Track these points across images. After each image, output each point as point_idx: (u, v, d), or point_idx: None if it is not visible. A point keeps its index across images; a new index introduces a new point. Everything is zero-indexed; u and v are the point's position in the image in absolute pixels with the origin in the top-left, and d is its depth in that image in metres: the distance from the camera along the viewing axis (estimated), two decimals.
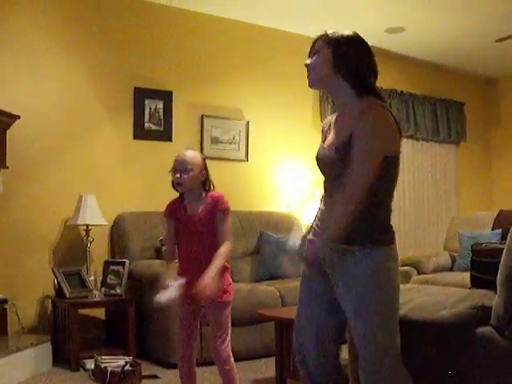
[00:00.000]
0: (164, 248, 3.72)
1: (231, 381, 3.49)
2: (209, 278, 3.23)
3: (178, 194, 3.58)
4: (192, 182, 3.46)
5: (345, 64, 2.56)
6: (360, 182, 2.45)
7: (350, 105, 2.59)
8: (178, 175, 3.45)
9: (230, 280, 3.53)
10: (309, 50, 2.67)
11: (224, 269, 3.46)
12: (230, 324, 3.50)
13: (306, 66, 2.64)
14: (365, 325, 2.53)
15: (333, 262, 2.60)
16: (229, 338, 3.48)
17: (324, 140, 2.75)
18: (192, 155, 3.50)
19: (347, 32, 2.63)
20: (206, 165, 3.54)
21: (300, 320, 2.79)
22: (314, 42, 2.65)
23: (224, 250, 3.40)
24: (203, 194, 3.50)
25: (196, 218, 3.45)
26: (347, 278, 2.55)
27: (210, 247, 3.41)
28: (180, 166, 3.45)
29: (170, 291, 3.27)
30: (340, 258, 2.57)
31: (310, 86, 2.69)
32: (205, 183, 3.51)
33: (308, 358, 2.73)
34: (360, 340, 2.56)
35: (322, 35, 2.63)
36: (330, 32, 2.62)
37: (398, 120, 2.59)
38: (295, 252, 2.76)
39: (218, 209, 3.44)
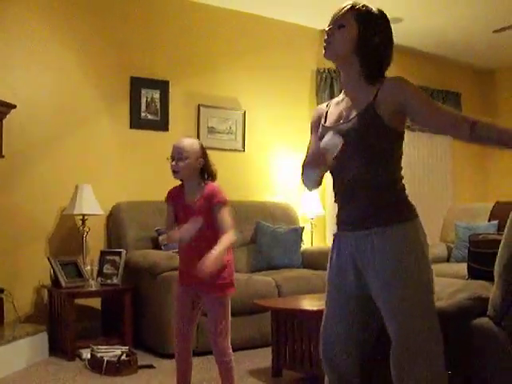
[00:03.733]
0: (161, 238, 3.69)
1: (228, 371, 3.49)
2: (209, 259, 3.19)
3: (175, 183, 3.58)
4: (188, 170, 3.45)
5: (367, 48, 2.49)
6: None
7: (360, 88, 2.52)
8: (173, 163, 3.45)
9: (232, 272, 3.51)
10: (333, 17, 2.54)
11: (227, 262, 3.45)
12: (229, 316, 3.49)
13: (327, 34, 2.53)
14: (401, 313, 2.43)
15: (358, 250, 2.52)
16: (229, 330, 3.47)
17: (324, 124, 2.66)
18: (189, 143, 3.48)
19: (377, 11, 2.55)
20: (204, 153, 3.51)
21: (329, 314, 2.67)
22: (341, 12, 2.52)
23: (226, 238, 3.35)
24: (202, 183, 3.49)
25: (193, 207, 3.44)
26: (372, 264, 2.46)
27: (207, 238, 3.38)
28: (176, 154, 3.44)
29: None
30: (362, 244, 2.50)
31: (326, 57, 2.57)
32: (203, 172, 3.50)
33: (335, 358, 2.63)
34: (396, 323, 2.44)
35: (353, 7, 2.52)
36: (362, 6, 2.53)
37: None
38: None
39: (214, 202, 3.40)
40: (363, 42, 2.49)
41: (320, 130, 2.67)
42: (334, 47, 2.53)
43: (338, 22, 2.52)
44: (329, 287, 2.68)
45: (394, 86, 2.46)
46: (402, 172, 2.57)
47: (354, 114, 2.50)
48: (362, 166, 2.50)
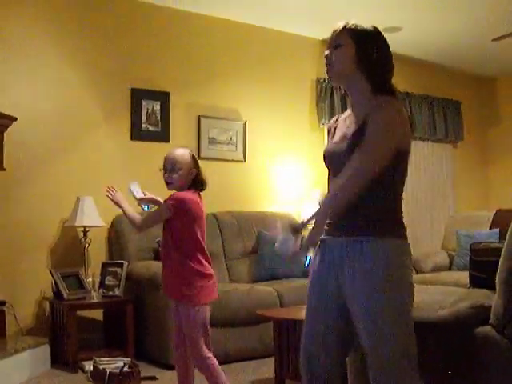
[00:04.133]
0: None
1: (209, 377, 3.50)
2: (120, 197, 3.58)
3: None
4: (181, 182, 3.49)
5: (368, 62, 2.51)
6: (362, 171, 2.41)
7: (366, 102, 2.54)
8: (166, 174, 3.50)
9: (203, 283, 3.50)
10: (329, 40, 2.58)
11: (191, 272, 3.47)
12: (202, 327, 3.47)
13: (326, 58, 2.57)
14: (376, 324, 2.42)
15: (341, 256, 2.52)
16: (201, 342, 3.45)
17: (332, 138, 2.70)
18: (180, 153, 3.52)
19: (370, 27, 2.57)
20: (196, 163, 3.55)
21: (308, 324, 2.67)
22: (336, 33, 2.56)
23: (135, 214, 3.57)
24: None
25: None
26: (357, 273, 2.46)
27: (168, 245, 3.51)
28: (169, 165, 3.50)
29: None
30: (347, 250, 2.50)
31: (331, 81, 2.66)
32: (195, 182, 3.54)
33: (314, 362, 2.62)
34: (371, 342, 2.43)
35: (345, 27, 2.55)
36: (353, 25, 2.55)
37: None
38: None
39: (165, 201, 3.51)
40: (363, 57, 2.52)
41: (327, 145, 2.71)
42: (335, 68, 2.56)
43: (334, 42, 2.56)
44: (309, 294, 2.67)
45: (376, 106, 2.46)
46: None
47: (350, 132, 2.54)
48: None
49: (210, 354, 3.49)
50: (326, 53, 2.58)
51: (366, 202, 2.48)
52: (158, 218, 3.53)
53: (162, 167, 3.54)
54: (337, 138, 2.64)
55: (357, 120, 2.55)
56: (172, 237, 3.48)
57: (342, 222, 2.55)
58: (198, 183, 3.54)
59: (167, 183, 3.52)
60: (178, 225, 3.45)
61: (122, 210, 3.59)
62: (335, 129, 2.70)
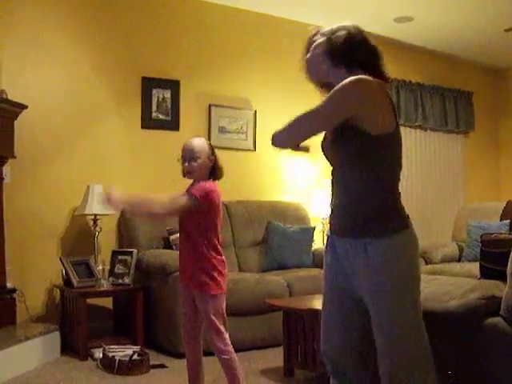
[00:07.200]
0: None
1: (231, 369, 3.50)
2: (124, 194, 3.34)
3: (186, 182, 3.59)
4: (201, 170, 3.50)
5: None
6: (297, 126, 2.72)
7: None
8: (186, 164, 3.49)
9: (223, 271, 3.52)
10: None
11: (215, 261, 3.49)
12: (222, 315, 3.49)
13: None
14: (381, 313, 2.44)
15: (348, 255, 2.53)
16: (222, 329, 3.47)
17: None
18: (199, 143, 3.55)
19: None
20: (213, 151, 3.57)
21: (326, 315, 2.69)
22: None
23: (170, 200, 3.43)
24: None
25: None
26: (362, 272, 2.47)
27: (194, 240, 3.47)
28: (188, 155, 3.50)
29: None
30: (353, 251, 2.51)
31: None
32: (214, 171, 3.54)
33: (334, 353, 2.63)
34: (378, 329, 2.45)
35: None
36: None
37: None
38: None
39: (190, 192, 3.45)
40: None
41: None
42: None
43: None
44: (325, 287, 2.69)
45: None
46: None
47: None
48: (346, 172, 2.55)
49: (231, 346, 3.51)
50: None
51: (357, 195, 2.49)
52: (185, 209, 3.43)
53: (179, 158, 3.55)
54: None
55: None
56: (196, 227, 3.46)
57: (340, 224, 2.57)
58: (215, 171, 3.55)
59: (187, 172, 3.52)
60: (203, 216, 3.44)
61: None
62: None
